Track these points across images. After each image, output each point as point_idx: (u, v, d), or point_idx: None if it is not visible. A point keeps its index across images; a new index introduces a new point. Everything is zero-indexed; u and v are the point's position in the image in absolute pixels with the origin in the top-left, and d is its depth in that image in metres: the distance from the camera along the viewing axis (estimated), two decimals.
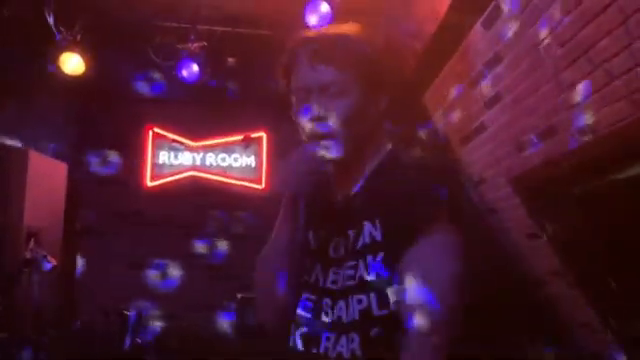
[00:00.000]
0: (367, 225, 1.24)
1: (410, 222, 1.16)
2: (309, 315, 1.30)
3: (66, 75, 4.12)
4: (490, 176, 4.24)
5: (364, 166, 1.33)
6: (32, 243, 3.48)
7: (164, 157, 5.18)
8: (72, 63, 4.07)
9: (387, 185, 1.26)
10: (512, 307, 4.21)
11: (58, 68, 4.08)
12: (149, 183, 5.10)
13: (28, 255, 3.39)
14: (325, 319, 1.27)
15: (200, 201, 5.13)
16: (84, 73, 4.13)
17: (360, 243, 1.24)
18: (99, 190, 4.97)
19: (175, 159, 5.19)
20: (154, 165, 5.15)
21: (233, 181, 5.23)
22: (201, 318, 4.70)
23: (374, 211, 1.24)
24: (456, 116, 4.20)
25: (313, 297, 1.31)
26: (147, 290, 4.84)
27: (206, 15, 4.04)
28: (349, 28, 1.34)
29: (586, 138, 2.96)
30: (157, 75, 4.56)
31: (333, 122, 1.25)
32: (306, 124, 1.28)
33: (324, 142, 1.26)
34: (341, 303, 1.24)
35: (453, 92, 4.03)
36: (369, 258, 1.21)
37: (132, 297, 4.68)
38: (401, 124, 1.38)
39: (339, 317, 1.24)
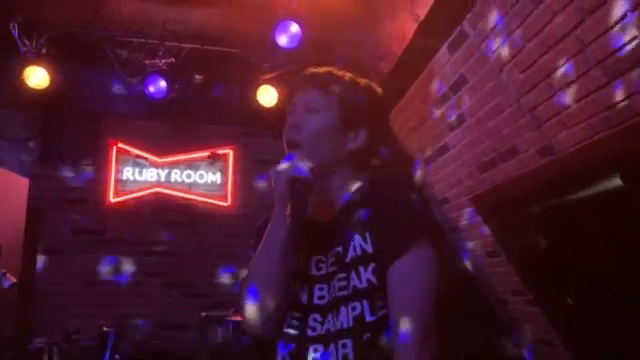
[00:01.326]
0: (357, 238, 1.35)
1: (398, 238, 1.30)
2: (296, 332, 1.38)
3: (30, 89, 4.06)
4: (452, 196, 4.34)
5: (342, 189, 1.45)
6: None
7: (128, 173, 5.12)
8: (37, 77, 4.01)
9: (374, 204, 1.37)
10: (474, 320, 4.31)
11: (22, 82, 4.02)
12: (112, 199, 5.02)
13: None
14: (312, 334, 1.36)
15: (164, 218, 5.08)
16: (48, 87, 4.07)
17: (350, 256, 1.35)
18: (61, 206, 4.87)
19: (139, 175, 5.13)
20: (118, 181, 5.08)
21: (198, 198, 5.20)
22: (164, 336, 4.63)
23: (364, 226, 1.35)
24: (420, 137, 4.30)
25: (298, 315, 1.39)
26: (109, 308, 4.76)
27: (174, 32, 4.05)
28: (344, 72, 1.49)
29: (545, 159, 3.08)
30: (123, 91, 4.52)
31: (302, 132, 1.40)
32: (284, 133, 1.43)
33: (291, 153, 1.39)
34: (330, 316, 1.35)
35: (417, 113, 4.13)
36: (361, 268, 1.32)
37: (94, 315, 4.59)
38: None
39: (328, 329, 1.34)
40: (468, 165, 3.87)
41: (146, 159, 5.16)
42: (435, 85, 3.70)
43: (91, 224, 4.92)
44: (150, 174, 5.16)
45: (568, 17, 2.39)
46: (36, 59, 4.00)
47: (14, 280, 3.45)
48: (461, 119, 3.63)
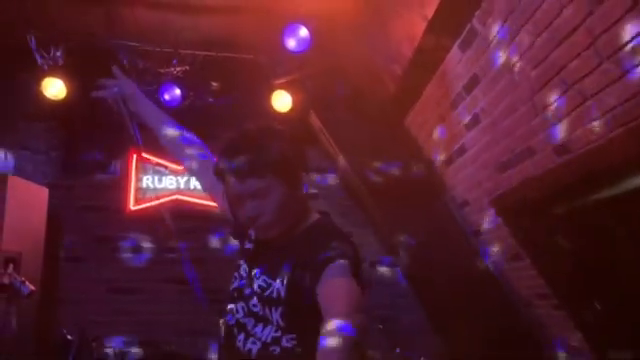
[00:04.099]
0: (277, 283, 1.49)
1: (311, 284, 1.39)
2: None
3: (48, 99, 4.12)
4: (473, 198, 4.24)
5: (292, 230, 1.59)
6: (10, 268, 3.43)
7: (148, 181, 5.16)
8: (54, 88, 4.08)
9: (300, 251, 1.50)
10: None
11: (40, 93, 4.09)
12: (132, 207, 5.07)
13: (6, 280, 3.33)
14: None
15: (184, 224, 5.09)
16: (66, 97, 4.13)
17: (268, 293, 1.51)
18: (82, 214, 4.94)
19: (159, 183, 5.17)
20: (138, 189, 5.13)
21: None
22: (185, 344, 4.63)
23: (284, 271, 1.49)
24: (438, 139, 4.22)
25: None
26: (129, 315, 4.79)
27: (187, 40, 4.07)
28: (263, 135, 1.58)
29: (562, 158, 2.97)
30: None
31: (265, 218, 1.52)
32: (243, 220, 1.55)
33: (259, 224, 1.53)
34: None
35: (434, 115, 4.05)
36: (273, 309, 1.49)
37: (114, 323, 4.63)
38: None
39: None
40: (486, 166, 3.77)
41: (166, 167, 5.19)
42: (449, 85, 3.62)
43: (111, 232, 4.97)
44: (170, 182, 5.19)
45: (577, 9, 2.30)
46: (53, 70, 4.06)
47: (33, 288, 3.48)
48: (477, 119, 3.54)
